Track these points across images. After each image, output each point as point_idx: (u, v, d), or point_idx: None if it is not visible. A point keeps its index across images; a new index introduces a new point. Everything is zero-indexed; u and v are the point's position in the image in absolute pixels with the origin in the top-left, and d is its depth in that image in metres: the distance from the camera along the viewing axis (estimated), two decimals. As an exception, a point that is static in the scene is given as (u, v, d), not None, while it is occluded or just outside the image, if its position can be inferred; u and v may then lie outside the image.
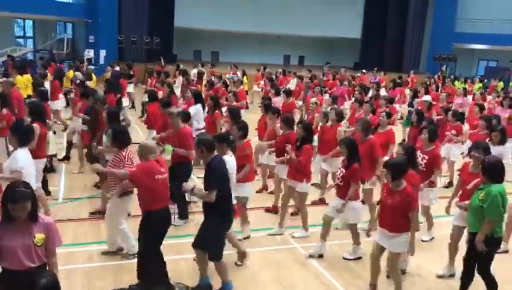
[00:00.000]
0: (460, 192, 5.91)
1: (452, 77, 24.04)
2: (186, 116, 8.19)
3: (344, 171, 6.16)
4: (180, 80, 15.73)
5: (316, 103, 10.77)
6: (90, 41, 26.36)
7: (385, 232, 5.18)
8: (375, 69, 25.14)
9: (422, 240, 6.99)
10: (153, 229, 5.16)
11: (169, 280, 5.32)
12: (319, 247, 6.44)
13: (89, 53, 24.89)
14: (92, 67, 17.13)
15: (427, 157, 6.77)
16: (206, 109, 10.16)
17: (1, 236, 3.67)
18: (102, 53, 25.47)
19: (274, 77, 19.57)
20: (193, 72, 19.44)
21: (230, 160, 5.72)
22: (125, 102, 14.33)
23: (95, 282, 5.51)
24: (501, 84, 24.05)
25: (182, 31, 31.31)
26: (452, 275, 5.92)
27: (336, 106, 11.31)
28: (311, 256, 6.43)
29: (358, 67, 30.40)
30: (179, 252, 6.30)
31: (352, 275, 6.04)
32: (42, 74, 13.97)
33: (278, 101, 12.18)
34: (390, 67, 29.79)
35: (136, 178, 5.09)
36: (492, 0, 30.36)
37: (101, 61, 24.33)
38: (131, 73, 17.14)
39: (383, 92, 16.49)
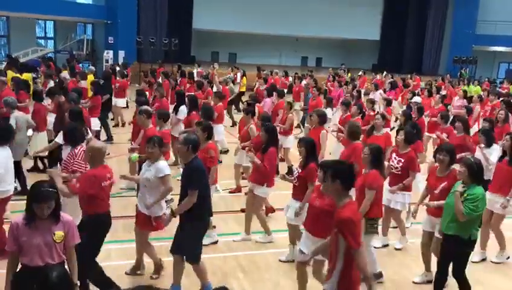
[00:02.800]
0: (428, 197, 5.80)
1: (465, 80, 23.46)
2: (165, 116, 7.96)
3: (300, 171, 5.93)
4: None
5: (289, 102, 10.25)
6: (109, 42, 26.67)
7: (308, 235, 5.02)
8: (384, 72, 24.46)
9: (395, 248, 6.82)
10: (92, 233, 4.83)
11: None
12: (291, 252, 6.25)
13: (108, 54, 25.17)
14: (92, 68, 17.17)
15: (402, 160, 6.50)
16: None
17: (22, 233, 3.74)
18: (121, 54, 25.72)
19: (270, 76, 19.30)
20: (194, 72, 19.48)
21: None
22: (123, 103, 14.27)
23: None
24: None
25: (200, 33, 31.48)
26: (430, 281, 5.67)
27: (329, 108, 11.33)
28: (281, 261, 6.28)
29: (376, 69, 30.19)
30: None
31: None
32: (81, 73, 14.03)
33: (268, 102, 12.08)
34: (409, 69, 29.49)
35: (80, 193, 4.87)
36: (514, 2, 29.92)
37: (120, 62, 24.55)
38: (125, 73, 17.21)
39: (377, 95, 16.11)
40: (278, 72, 20.66)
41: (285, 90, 14.78)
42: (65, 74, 13.66)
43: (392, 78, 21.02)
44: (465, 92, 15.77)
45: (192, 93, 11.26)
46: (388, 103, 12.82)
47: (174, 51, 26.50)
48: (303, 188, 5.82)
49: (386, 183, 6.33)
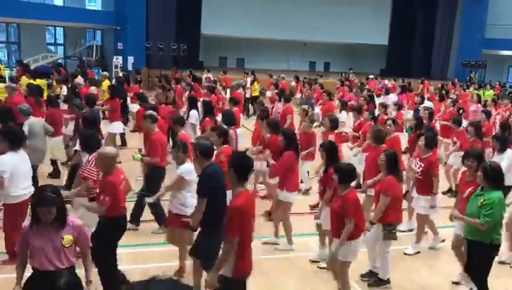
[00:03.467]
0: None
1: (472, 84, 23.37)
2: (181, 121, 7.94)
3: (321, 176, 6.04)
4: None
5: (305, 109, 10.02)
6: (118, 48, 26.82)
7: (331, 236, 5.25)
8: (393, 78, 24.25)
9: (404, 253, 6.73)
10: (112, 236, 4.98)
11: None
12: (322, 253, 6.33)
13: (118, 60, 25.30)
14: (105, 73, 17.28)
15: (423, 165, 6.56)
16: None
17: (31, 236, 3.80)
18: (130, 60, 25.86)
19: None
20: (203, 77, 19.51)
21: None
22: (135, 108, 14.35)
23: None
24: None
25: (208, 38, 31.57)
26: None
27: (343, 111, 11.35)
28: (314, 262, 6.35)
29: (384, 73, 30.12)
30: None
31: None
32: (91, 80, 14.14)
33: (280, 107, 12.02)
34: (418, 74, 29.39)
35: (108, 205, 4.84)
36: (523, 6, 29.79)
37: (129, 67, 24.68)
38: (138, 78, 17.25)
39: (390, 99, 16.04)
40: (285, 77, 20.70)
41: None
42: (79, 79, 13.75)
43: (403, 82, 20.93)
44: (478, 96, 15.58)
45: (207, 99, 11.26)
46: (399, 107, 12.74)
47: (183, 57, 26.59)
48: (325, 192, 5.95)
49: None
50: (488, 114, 11.18)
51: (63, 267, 3.77)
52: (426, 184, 6.54)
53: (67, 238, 3.82)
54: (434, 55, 32.63)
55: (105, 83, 13.92)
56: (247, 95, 17.85)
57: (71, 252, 3.87)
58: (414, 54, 33.24)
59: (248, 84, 18.92)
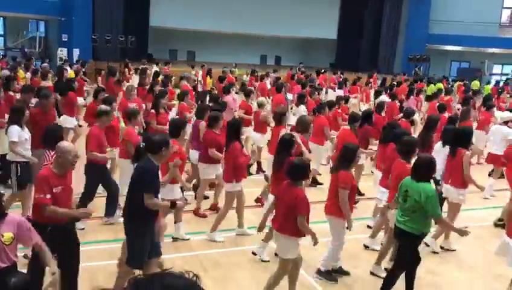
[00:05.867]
0: None
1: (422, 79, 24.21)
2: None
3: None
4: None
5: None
6: (63, 39, 25.95)
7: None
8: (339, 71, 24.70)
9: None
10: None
11: None
12: None
13: (62, 52, 24.48)
14: (46, 65, 16.68)
15: None
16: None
17: None
18: (76, 52, 25.09)
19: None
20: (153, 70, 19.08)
21: None
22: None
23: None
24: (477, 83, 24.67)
25: (157, 30, 31.03)
26: None
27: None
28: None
29: (334, 67, 30.63)
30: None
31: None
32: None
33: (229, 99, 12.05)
34: (366, 68, 30.06)
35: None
36: (464, 3, 30.97)
37: (75, 60, 23.93)
38: (83, 71, 16.79)
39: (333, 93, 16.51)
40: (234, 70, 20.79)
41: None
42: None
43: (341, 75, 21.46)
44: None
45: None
46: (345, 100, 12.93)
47: (131, 49, 26.02)
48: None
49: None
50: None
51: (4, 265, 3.62)
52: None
53: (7, 235, 3.68)
54: (381, 50, 33.49)
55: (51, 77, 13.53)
56: (200, 89, 17.62)
57: (12, 250, 3.73)
58: (362, 48, 33.99)
59: (200, 78, 18.74)
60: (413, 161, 5.53)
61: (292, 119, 9.78)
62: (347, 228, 5.61)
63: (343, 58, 33.35)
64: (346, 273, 6.00)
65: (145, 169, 4.70)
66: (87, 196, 6.74)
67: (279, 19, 31.14)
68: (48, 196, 4.31)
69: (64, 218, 4.51)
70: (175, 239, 6.66)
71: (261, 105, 10.22)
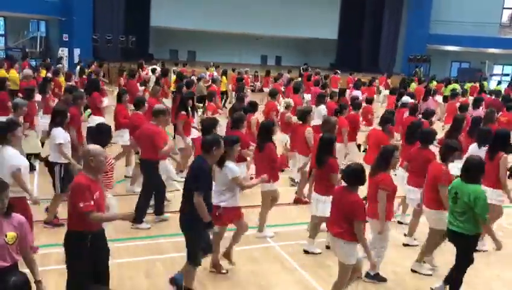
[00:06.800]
0: None
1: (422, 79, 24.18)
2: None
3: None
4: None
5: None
6: (64, 39, 25.95)
7: None
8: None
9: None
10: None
11: None
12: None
13: (63, 52, 24.48)
14: (60, 65, 16.76)
15: None
16: None
17: None
18: (77, 52, 25.08)
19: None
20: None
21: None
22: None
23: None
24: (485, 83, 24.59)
25: (158, 30, 31.06)
26: None
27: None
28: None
29: (334, 68, 30.63)
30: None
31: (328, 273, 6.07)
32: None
33: None
34: (366, 68, 30.09)
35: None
36: (465, 3, 30.98)
37: (76, 60, 23.93)
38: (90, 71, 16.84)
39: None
40: (248, 71, 20.87)
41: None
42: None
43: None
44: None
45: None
46: (369, 102, 12.58)
47: (132, 49, 26.05)
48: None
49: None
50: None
51: (7, 265, 3.65)
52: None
53: (10, 235, 3.70)
54: (381, 50, 33.47)
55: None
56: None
57: (14, 250, 3.75)
58: (363, 49, 33.99)
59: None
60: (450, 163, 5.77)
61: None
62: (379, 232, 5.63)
63: (344, 58, 33.32)
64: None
65: (198, 168, 4.93)
66: (155, 188, 7.09)
67: (279, 19, 31.16)
68: (92, 203, 4.21)
69: (99, 223, 4.45)
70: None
71: (288, 106, 10.31)
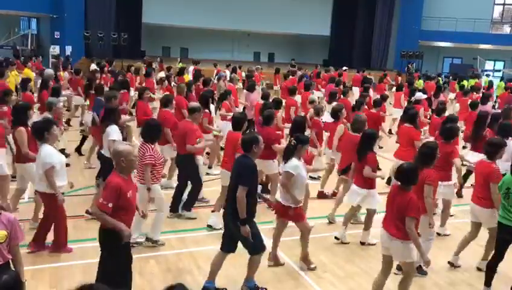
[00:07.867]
0: None
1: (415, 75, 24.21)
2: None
3: None
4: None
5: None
6: (55, 37, 25.82)
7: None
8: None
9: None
10: None
11: None
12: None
13: (55, 49, 24.34)
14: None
15: None
16: None
17: None
18: (68, 49, 24.97)
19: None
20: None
21: None
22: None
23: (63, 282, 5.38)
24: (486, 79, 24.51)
25: (150, 27, 30.94)
26: None
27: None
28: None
29: (327, 64, 30.66)
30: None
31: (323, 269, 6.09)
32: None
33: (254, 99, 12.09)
34: (359, 64, 30.11)
35: None
36: (457, -1, 31.16)
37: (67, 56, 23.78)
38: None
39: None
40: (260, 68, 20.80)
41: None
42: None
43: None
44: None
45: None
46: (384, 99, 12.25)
47: (124, 46, 25.94)
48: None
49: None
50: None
51: None
52: None
53: (1, 233, 3.69)
54: (374, 46, 33.57)
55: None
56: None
57: (5, 248, 3.74)
58: (355, 45, 34.07)
59: (228, 77, 18.66)
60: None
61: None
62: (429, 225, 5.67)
63: (336, 54, 33.39)
64: None
65: (244, 164, 5.08)
66: (199, 181, 7.35)
67: (272, 15, 31.15)
68: (110, 205, 4.30)
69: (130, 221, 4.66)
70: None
71: (312, 102, 10.47)
